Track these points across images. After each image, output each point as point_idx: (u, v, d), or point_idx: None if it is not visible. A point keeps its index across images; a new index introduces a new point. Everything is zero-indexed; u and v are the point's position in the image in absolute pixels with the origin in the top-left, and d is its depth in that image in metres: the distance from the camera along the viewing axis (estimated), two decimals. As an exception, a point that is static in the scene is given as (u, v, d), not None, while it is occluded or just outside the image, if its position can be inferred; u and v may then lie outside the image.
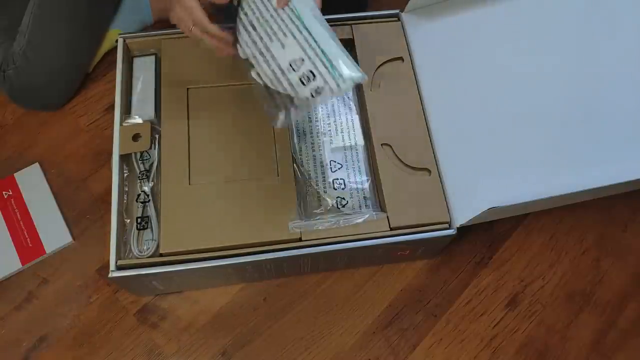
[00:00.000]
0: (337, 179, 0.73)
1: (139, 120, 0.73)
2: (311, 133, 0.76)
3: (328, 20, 0.79)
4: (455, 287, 0.78)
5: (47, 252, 0.76)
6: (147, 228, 0.68)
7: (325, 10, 0.81)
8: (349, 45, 0.80)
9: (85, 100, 0.89)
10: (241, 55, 0.60)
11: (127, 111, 0.74)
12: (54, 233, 0.77)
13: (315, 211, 0.70)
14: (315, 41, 0.54)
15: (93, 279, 0.76)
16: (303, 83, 0.53)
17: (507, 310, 0.77)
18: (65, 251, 0.78)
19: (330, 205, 0.70)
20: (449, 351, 0.74)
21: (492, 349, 0.74)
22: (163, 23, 0.96)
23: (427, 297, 0.77)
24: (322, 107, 0.76)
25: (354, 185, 0.73)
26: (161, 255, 0.64)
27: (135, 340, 0.73)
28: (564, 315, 0.77)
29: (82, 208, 0.80)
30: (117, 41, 0.76)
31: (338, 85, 0.52)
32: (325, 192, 0.71)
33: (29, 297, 0.75)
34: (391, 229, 0.67)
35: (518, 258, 0.81)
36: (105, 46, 0.90)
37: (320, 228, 0.66)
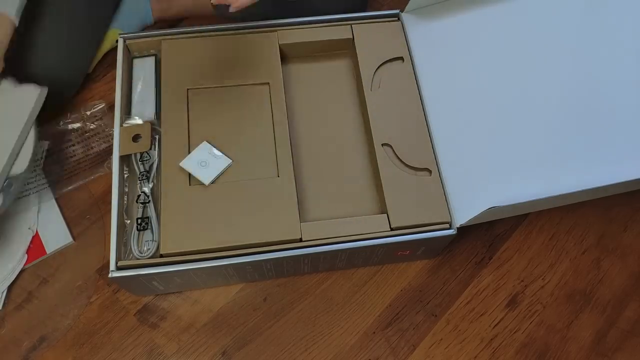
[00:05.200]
0: None
1: (139, 121, 0.73)
2: None
3: (327, 20, 0.80)
4: (455, 287, 0.78)
5: (47, 252, 0.76)
6: (147, 229, 0.68)
7: (325, 10, 0.81)
8: (349, 45, 0.80)
9: (85, 100, 0.89)
10: None
11: (127, 112, 0.74)
12: (54, 233, 0.77)
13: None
14: None
15: (93, 279, 0.76)
16: None
17: (507, 310, 0.77)
18: (65, 251, 0.78)
19: None
20: (449, 351, 0.74)
21: (492, 349, 0.74)
22: (163, 23, 0.96)
23: (427, 297, 0.77)
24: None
25: None
26: (161, 256, 0.65)
27: (136, 340, 0.73)
28: (564, 315, 0.77)
29: (82, 208, 0.80)
30: (117, 41, 0.77)
31: None
32: None
33: (29, 297, 0.75)
34: (392, 229, 0.67)
35: (518, 258, 0.81)
36: (106, 46, 0.90)
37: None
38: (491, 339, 0.75)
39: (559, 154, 0.70)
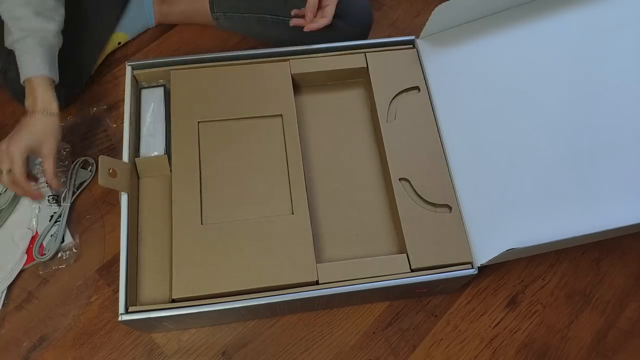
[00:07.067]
0: None
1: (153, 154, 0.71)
2: None
3: (340, 48, 0.77)
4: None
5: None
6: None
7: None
8: (363, 74, 0.77)
9: (86, 101, 0.89)
10: None
11: (136, 145, 0.72)
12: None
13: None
14: None
15: (93, 279, 0.76)
16: None
17: (508, 310, 0.77)
18: (65, 251, 0.78)
19: None
20: (449, 351, 0.74)
21: (492, 349, 0.74)
22: (164, 27, 0.97)
23: (427, 297, 0.77)
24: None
25: None
26: (173, 301, 0.63)
27: (136, 340, 0.73)
28: (564, 316, 0.77)
29: (82, 208, 0.80)
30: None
31: None
32: None
33: (29, 297, 0.75)
34: (412, 270, 0.65)
35: (518, 258, 0.81)
36: (108, 49, 0.91)
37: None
38: (491, 339, 0.75)
39: (581, 191, 0.67)
